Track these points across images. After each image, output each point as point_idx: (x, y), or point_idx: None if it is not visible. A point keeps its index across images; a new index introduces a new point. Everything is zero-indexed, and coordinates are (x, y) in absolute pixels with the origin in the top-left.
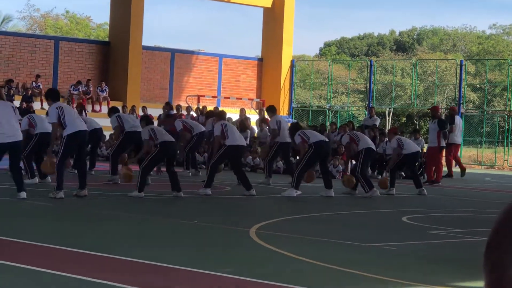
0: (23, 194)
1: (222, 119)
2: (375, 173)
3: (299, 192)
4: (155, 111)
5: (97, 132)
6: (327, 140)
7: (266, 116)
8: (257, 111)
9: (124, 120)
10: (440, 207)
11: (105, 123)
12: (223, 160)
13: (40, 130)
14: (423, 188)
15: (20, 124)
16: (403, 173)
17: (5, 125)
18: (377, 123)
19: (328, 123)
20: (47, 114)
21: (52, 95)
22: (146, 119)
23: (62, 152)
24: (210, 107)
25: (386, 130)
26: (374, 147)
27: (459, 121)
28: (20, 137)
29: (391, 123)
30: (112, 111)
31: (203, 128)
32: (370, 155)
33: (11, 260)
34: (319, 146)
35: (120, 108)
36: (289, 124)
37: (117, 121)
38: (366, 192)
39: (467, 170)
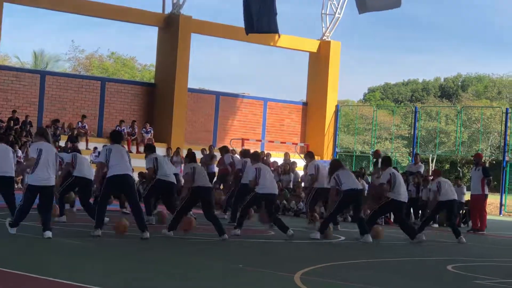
0: (49, 234)
1: (257, 161)
2: (418, 219)
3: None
4: (199, 154)
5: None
6: (360, 187)
7: None
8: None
9: (160, 165)
10: (485, 256)
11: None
12: (253, 206)
13: (77, 174)
14: (462, 236)
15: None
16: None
17: (43, 168)
18: (422, 170)
19: (371, 169)
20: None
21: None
22: (191, 157)
23: (102, 193)
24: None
25: (430, 178)
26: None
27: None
28: (53, 182)
29: (432, 170)
30: (149, 150)
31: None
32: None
33: None
34: (349, 194)
35: (164, 149)
36: (330, 161)
37: (152, 163)
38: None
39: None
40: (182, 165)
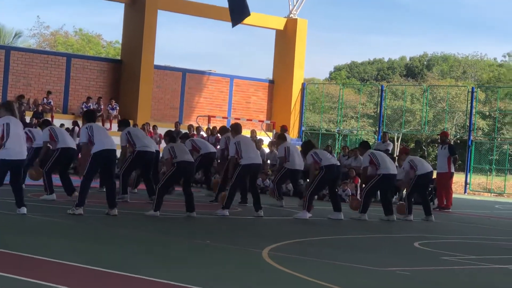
0: (24, 210)
1: (237, 133)
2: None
3: (310, 215)
4: (165, 131)
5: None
6: (338, 163)
7: None
8: (272, 133)
9: (135, 137)
10: (451, 233)
11: (116, 142)
12: (242, 181)
13: (62, 145)
14: (432, 215)
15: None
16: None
17: (15, 142)
18: (390, 148)
19: (337, 147)
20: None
21: (122, 124)
22: (170, 137)
23: (87, 169)
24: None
25: (395, 156)
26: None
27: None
28: (25, 155)
29: (399, 148)
30: (123, 125)
31: (212, 149)
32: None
33: (27, 276)
34: (330, 170)
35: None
36: (302, 143)
37: (127, 140)
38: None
39: (477, 198)
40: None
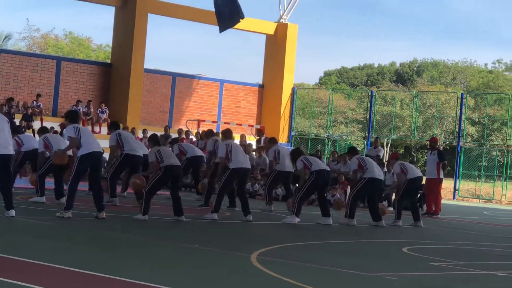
0: (12, 212)
1: (228, 138)
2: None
3: (299, 220)
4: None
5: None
6: (328, 169)
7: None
8: (262, 138)
9: (125, 140)
10: (440, 239)
11: (105, 145)
12: (230, 185)
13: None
14: (421, 221)
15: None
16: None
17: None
18: (381, 154)
19: (326, 152)
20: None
21: (112, 125)
22: (154, 141)
23: (74, 172)
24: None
25: (385, 161)
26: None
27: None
28: (12, 151)
29: (389, 154)
30: (114, 127)
31: (199, 153)
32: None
33: (13, 278)
34: (320, 175)
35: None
36: (290, 150)
37: (116, 140)
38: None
39: (466, 204)
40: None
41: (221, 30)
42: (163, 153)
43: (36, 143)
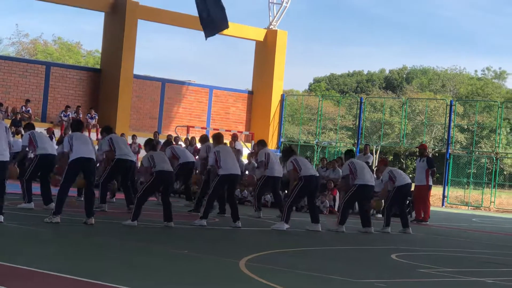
0: (1, 218)
1: (219, 143)
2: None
3: (288, 226)
4: (144, 140)
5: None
6: (317, 174)
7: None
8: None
9: (117, 145)
10: (428, 245)
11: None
12: (220, 191)
13: (41, 152)
14: (409, 227)
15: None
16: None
17: None
18: (370, 160)
19: (315, 159)
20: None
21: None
22: (150, 145)
23: (64, 177)
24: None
25: (374, 168)
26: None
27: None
28: (7, 157)
29: (378, 161)
30: (106, 131)
31: (191, 158)
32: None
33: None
34: (309, 180)
35: None
36: (282, 149)
37: (108, 145)
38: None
39: (454, 211)
40: None
41: (207, 36)
42: (157, 158)
43: (53, 146)
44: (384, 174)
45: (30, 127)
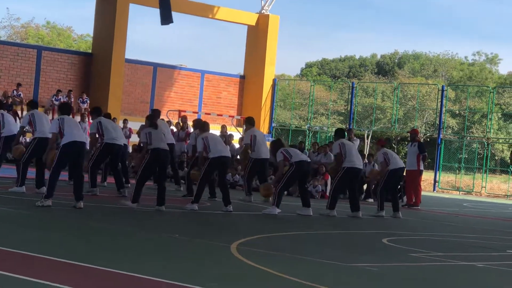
0: None
1: (205, 131)
2: (362, 196)
3: (279, 210)
4: (135, 125)
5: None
6: (309, 160)
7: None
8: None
9: (105, 128)
10: (420, 230)
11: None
12: (211, 175)
13: (39, 135)
14: (399, 212)
15: None
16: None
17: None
18: (356, 144)
19: (307, 143)
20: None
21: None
22: (151, 122)
23: (56, 161)
24: (190, 122)
25: (365, 153)
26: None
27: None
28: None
29: (370, 146)
30: (95, 113)
31: (171, 140)
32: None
33: None
34: (300, 165)
35: None
36: (270, 142)
37: (96, 128)
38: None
39: (446, 196)
40: None
41: (163, 24)
42: (154, 135)
43: (16, 129)
44: (379, 155)
45: (33, 105)
